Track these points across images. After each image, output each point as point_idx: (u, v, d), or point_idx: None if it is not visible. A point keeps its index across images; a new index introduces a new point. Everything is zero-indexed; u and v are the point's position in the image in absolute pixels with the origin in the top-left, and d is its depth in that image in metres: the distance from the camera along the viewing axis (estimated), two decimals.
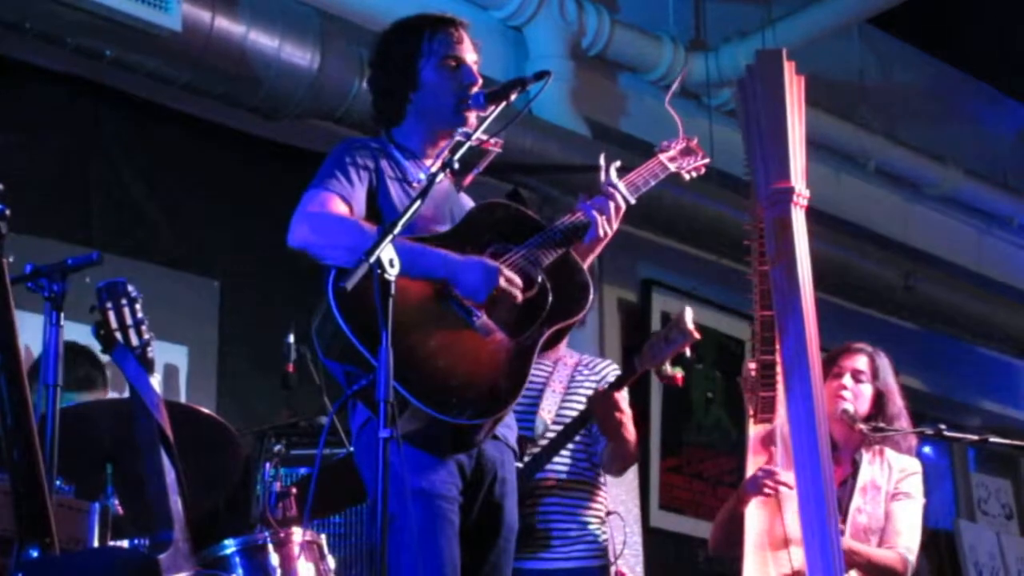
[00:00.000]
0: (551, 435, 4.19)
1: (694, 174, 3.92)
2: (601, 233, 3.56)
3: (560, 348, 4.30)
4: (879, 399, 4.37)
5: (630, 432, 4.18)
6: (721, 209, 6.97)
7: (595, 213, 3.55)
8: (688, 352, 4.14)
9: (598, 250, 3.67)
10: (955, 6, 8.36)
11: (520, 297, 3.33)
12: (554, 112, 6.72)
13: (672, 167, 3.84)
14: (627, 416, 4.16)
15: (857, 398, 4.33)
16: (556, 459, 4.19)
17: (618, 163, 3.68)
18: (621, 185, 3.63)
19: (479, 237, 3.41)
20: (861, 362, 4.40)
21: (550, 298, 3.41)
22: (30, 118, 5.51)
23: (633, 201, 3.65)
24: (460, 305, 3.30)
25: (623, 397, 4.22)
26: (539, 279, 3.41)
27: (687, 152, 3.90)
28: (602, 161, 3.67)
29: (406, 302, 3.06)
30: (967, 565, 8.88)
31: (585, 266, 3.58)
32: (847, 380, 4.34)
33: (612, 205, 3.58)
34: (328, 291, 3.16)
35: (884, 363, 4.43)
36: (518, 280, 3.33)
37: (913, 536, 4.26)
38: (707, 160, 3.94)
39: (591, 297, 3.49)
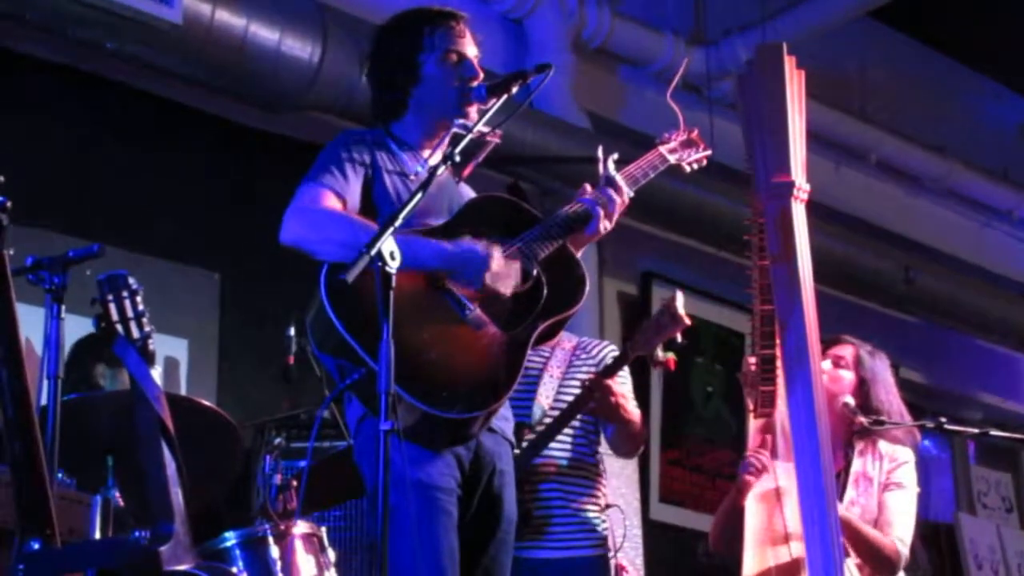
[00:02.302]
0: (549, 421, 4.19)
1: (695, 166, 3.92)
2: (602, 226, 3.56)
3: (559, 335, 4.31)
4: (861, 387, 4.37)
5: (631, 413, 4.19)
6: (721, 202, 6.97)
7: (599, 208, 3.55)
8: (679, 337, 4.15)
9: (595, 240, 3.67)
10: None
11: (515, 276, 3.33)
12: (555, 105, 6.73)
13: (672, 159, 3.83)
14: (624, 398, 4.16)
15: (835, 382, 4.33)
16: (555, 444, 4.19)
17: (616, 155, 3.68)
18: (619, 178, 3.63)
19: (474, 230, 3.41)
20: (844, 350, 4.42)
21: (545, 292, 3.41)
22: (31, 110, 5.51)
23: (632, 194, 3.64)
24: (453, 298, 3.30)
25: (621, 380, 4.22)
26: (534, 272, 3.41)
27: (688, 144, 3.90)
28: (600, 153, 3.67)
29: (398, 296, 3.06)
30: (967, 558, 8.88)
31: (578, 255, 3.59)
32: (826, 364, 4.34)
33: (615, 198, 3.58)
34: (320, 286, 3.16)
35: (875, 360, 4.42)
36: (508, 267, 3.33)
37: (906, 526, 4.26)
38: (708, 152, 3.93)
39: (586, 291, 3.49)
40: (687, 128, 3.90)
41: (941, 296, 8.65)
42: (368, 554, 4.45)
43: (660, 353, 4.17)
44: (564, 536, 4.17)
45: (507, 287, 3.32)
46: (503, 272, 3.31)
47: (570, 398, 4.20)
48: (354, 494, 4.58)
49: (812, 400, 3.69)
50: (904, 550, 4.22)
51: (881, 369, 4.43)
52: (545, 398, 4.22)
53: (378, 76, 3.60)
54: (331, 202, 3.34)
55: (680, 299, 4.12)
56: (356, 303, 3.08)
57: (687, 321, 4.11)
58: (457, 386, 3.21)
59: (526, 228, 3.48)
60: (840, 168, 8.57)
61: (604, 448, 4.38)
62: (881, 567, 4.19)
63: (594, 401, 4.12)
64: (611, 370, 4.19)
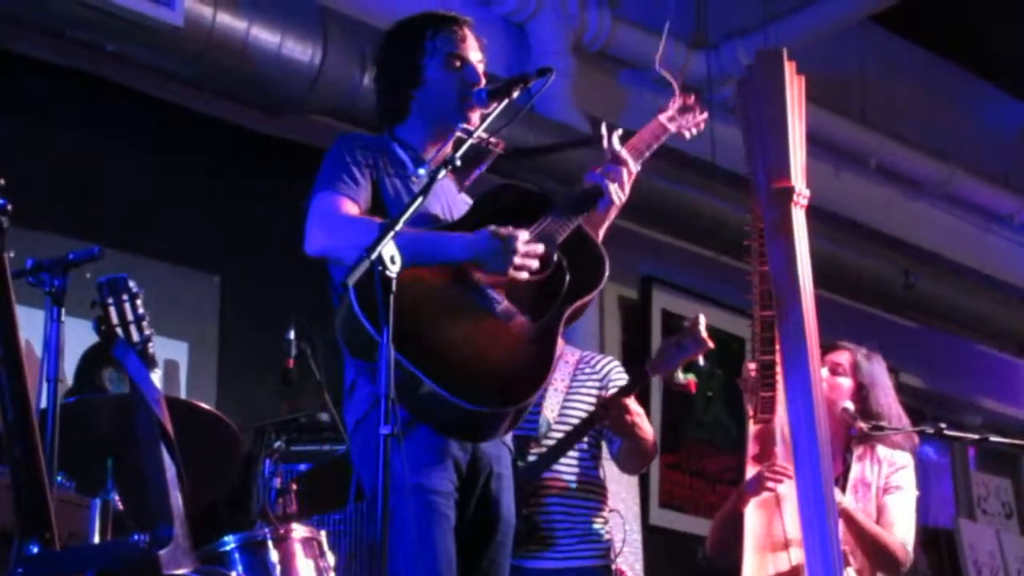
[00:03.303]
0: (555, 433, 4.19)
1: (694, 131, 3.83)
2: (615, 198, 3.52)
3: (561, 345, 4.30)
4: (860, 393, 4.37)
5: (645, 430, 4.19)
6: (722, 206, 6.95)
7: (606, 180, 3.53)
8: (701, 360, 4.13)
9: (612, 218, 3.62)
10: (957, 3, 8.35)
11: (542, 251, 3.32)
12: (555, 108, 6.72)
13: (672, 127, 3.78)
14: (639, 416, 4.16)
15: (833, 390, 4.33)
16: (562, 460, 4.20)
17: (620, 131, 3.67)
18: (624, 152, 3.62)
19: (492, 221, 3.41)
20: (841, 357, 4.41)
21: (567, 276, 3.41)
22: (31, 112, 5.51)
23: (638, 167, 3.62)
24: (480, 292, 3.30)
25: (631, 399, 4.22)
26: (554, 257, 3.41)
27: (685, 110, 3.82)
28: (604, 130, 3.66)
29: (429, 293, 3.09)
30: (967, 564, 8.87)
31: (600, 238, 3.58)
32: (824, 372, 4.34)
33: (622, 171, 3.57)
34: (350, 292, 3.14)
35: (871, 363, 4.42)
36: (535, 245, 3.31)
37: (908, 527, 4.27)
38: (705, 115, 3.84)
39: (607, 269, 3.47)
40: (683, 94, 3.86)
41: (941, 301, 8.64)
42: (367, 558, 4.44)
43: (680, 375, 4.16)
44: (568, 547, 4.17)
45: (534, 268, 3.32)
46: (530, 253, 3.31)
47: (575, 411, 4.21)
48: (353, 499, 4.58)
49: (812, 406, 3.69)
50: (909, 550, 4.22)
51: (879, 372, 4.43)
52: (551, 411, 4.22)
53: (382, 79, 3.62)
54: (350, 208, 3.35)
55: (703, 321, 4.10)
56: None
57: (710, 344, 4.09)
58: (494, 380, 3.21)
59: (540, 213, 3.46)
60: (840, 173, 8.56)
61: (604, 455, 4.38)
62: (886, 565, 4.19)
63: (609, 419, 4.11)
64: (629, 389, 4.18)
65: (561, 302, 3.37)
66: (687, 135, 3.84)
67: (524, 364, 3.27)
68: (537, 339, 3.31)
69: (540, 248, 3.32)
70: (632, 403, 4.14)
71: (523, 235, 3.30)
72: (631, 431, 4.15)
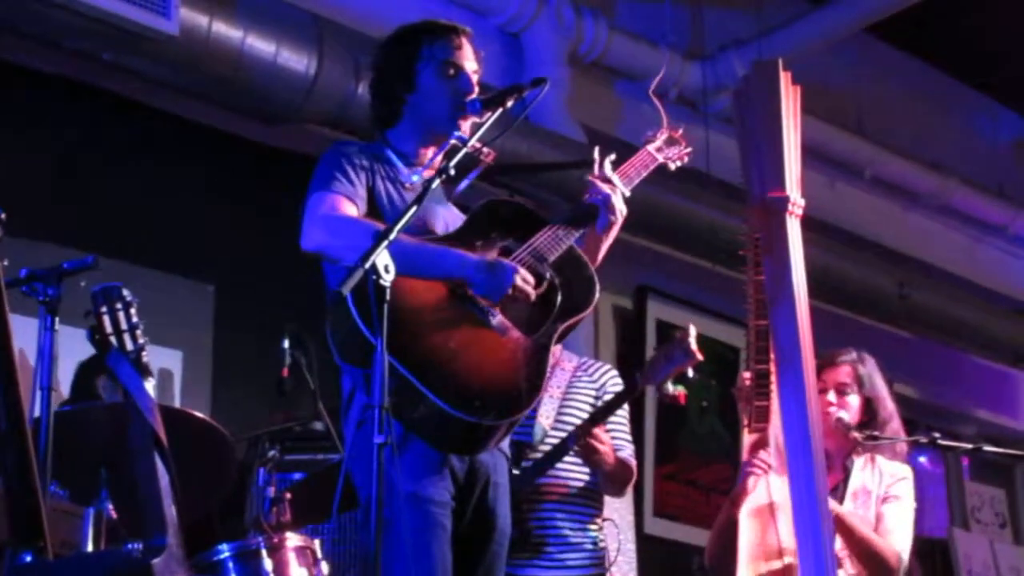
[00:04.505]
0: (550, 440, 4.20)
1: (679, 163, 3.93)
2: (611, 214, 3.56)
3: (558, 352, 4.32)
4: (868, 406, 4.36)
5: (609, 464, 4.19)
6: (717, 216, 6.97)
7: (601, 204, 3.56)
8: (690, 372, 4.15)
9: (611, 239, 3.64)
10: (952, 15, 8.37)
11: (534, 295, 3.35)
12: (550, 118, 6.72)
13: (660, 157, 3.86)
14: (606, 448, 4.17)
15: (846, 411, 4.32)
16: (562, 467, 4.22)
17: (612, 156, 3.70)
18: (616, 177, 3.64)
19: (486, 235, 3.43)
20: (843, 374, 4.38)
21: (559, 294, 3.42)
22: (26, 121, 5.51)
23: (628, 193, 3.66)
24: (476, 305, 3.31)
25: (618, 420, 4.23)
26: (547, 276, 3.42)
27: (671, 142, 3.92)
28: (596, 155, 3.69)
29: (424, 303, 3.10)
30: (960, 574, 8.87)
31: (599, 259, 3.60)
32: (831, 396, 4.33)
33: (611, 195, 3.59)
34: (347, 297, 3.14)
35: (869, 369, 4.41)
36: (531, 278, 3.35)
37: (904, 536, 4.26)
38: (689, 150, 3.95)
39: (597, 291, 3.51)
40: (671, 126, 3.92)
41: (935, 311, 8.66)
42: (362, 567, 4.44)
43: (670, 386, 4.18)
44: (562, 555, 4.17)
45: (528, 297, 3.34)
46: (522, 289, 3.32)
47: (570, 417, 4.22)
48: (349, 507, 4.57)
49: (806, 415, 3.70)
50: (904, 558, 4.21)
51: (877, 377, 4.42)
52: (546, 418, 4.24)
53: (377, 83, 3.64)
54: (347, 208, 3.37)
55: (693, 333, 4.13)
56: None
57: (699, 356, 4.11)
58: (488, 393, 3.22)
59: (534, 231, 3.49)
60: (835, 183, 8.58)
61: None
62: (879, 571, 4.18)
63: (579, 445, 4.13)
64: (622, 399, 4.20)
65: (553, 320, 3.40)
66: (672, 166, 3.91)
67: (518, 378, 3.29)
68: (531, 354, 3.33)
69: (532, 291, 3.34)
70: (602, 433, 4.15)
71: (521, 270, 3.32)
72: (598, 463, 4.17)
